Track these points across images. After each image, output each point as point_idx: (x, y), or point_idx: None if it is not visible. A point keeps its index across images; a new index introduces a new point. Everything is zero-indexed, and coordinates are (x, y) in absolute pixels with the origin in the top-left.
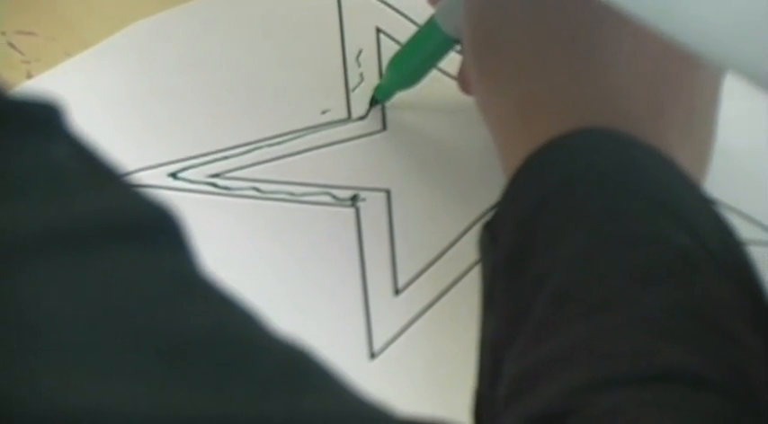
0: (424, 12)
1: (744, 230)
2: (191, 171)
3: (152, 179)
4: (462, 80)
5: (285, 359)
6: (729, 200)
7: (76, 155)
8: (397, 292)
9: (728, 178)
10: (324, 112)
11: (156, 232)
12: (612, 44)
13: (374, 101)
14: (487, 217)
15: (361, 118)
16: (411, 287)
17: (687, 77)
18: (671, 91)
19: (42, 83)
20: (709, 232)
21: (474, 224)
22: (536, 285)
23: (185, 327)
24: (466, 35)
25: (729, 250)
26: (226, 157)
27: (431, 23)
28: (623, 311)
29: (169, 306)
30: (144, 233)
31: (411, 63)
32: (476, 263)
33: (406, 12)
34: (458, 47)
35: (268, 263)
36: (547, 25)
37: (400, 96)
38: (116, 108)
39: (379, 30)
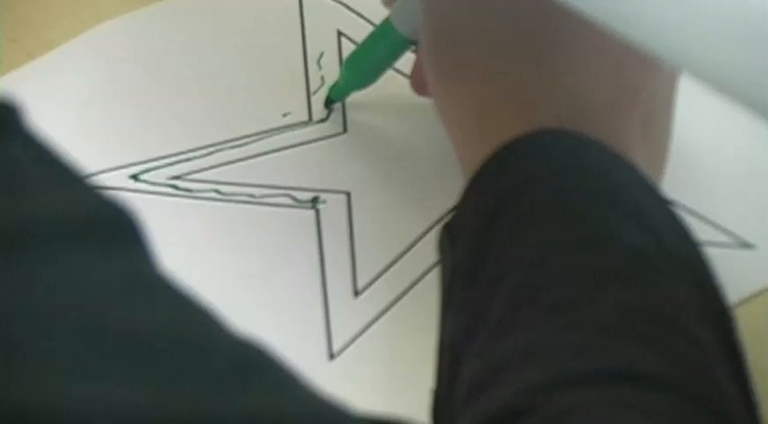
0: (385, 15)
1: (701, 231)
2: (152, 173)
3: (113, 181)
4: (415, 80)
5: (242, 357)
6: (686, 202)
7: (34, 154)
8: (356, 293)
9: (685, 179)
10: (285, 115)
11: (114, 230)
12: (570, 45)
13: (330, 101)
14: (447, 219)
15: (322, 120)
16: (370, 289)
17: (644, 78)
18: (628, 92)
19: (4, 86)
20: (667, 232)
21: (433, 226)
22: (495, 285)
23: (142, 325)
24: (424, 37)
25: (687, 250)
26: (187, 159)
27: (386, 24)
28: (582, 311)
29: (126, 305)
30: (102, 231)
31: (366, 63)
32: (435, 265)
33: (367, 15)
34: (413, 47)
35: (228, 265)
36: (505, 27)
37: (361, 99)
38: (78, 110)
39: (340, 34)
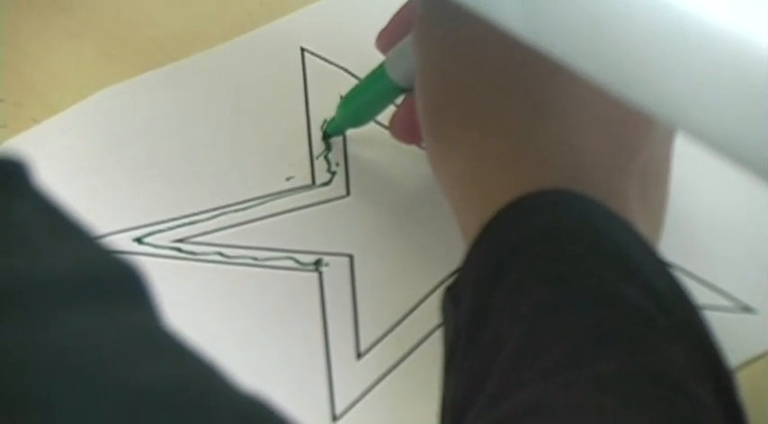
0: None
1: (700, 295)
2: (156, 236)
3: (117, 244)
4: (396, 127)
5: (247, 412)
6: (685, 265)
7: (42, 212)
8: (359, 356)
9: (684, 242)
10: (288, 179)
11: (120, 286)
12: (567, 105)
13: (326, 135)
14: (450, 282)
15: (325, 184)
16: (373, 351)
17: (642, 138)
18: (627, 152)
19: (10, 150)
20: (666, 293)
21: (436, 288)
22: (496, 346)
23: (146, 379)
24: (418, 94)
25: (685, 310)
26: (191, 223)
27: (381, 69)
28: (580, 371)
29: (130, 359)
30: (107, 287)
31: (359, 105)
32: (437, 327)
33: None
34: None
35: (231, 327)
36: (500, 88)
37: (364, 162)
38: (82, 173)
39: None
